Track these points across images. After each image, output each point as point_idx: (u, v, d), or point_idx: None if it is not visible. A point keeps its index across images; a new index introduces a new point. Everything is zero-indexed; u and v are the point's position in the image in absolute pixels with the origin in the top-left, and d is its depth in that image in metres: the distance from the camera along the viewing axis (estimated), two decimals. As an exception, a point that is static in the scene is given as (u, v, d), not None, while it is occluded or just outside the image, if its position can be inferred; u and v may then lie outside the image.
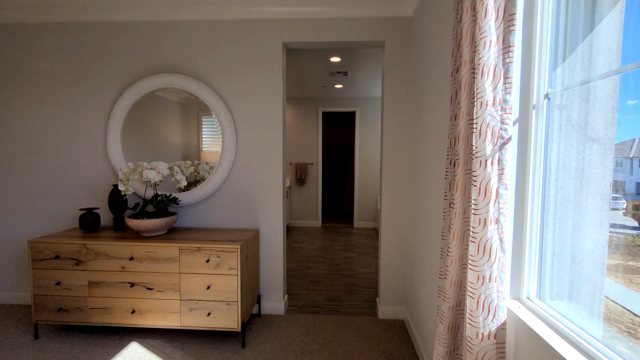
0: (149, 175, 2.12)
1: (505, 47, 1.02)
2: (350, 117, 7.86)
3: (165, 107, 2.56)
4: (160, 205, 2.26)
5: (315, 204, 6.02)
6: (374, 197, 5.93)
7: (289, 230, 5.70)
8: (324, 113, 7.70)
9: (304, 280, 3.35)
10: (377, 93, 5.57)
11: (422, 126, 2.18)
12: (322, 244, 4.78)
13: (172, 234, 2.32)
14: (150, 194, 2.47)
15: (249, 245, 2.29)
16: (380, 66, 3.99)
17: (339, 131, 7.89)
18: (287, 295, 2.79)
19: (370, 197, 5.94)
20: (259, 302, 2.58)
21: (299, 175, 5.90)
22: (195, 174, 2.56)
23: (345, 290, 3.11)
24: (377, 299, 2.74)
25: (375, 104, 5.83)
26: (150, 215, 2.23)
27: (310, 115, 5.94)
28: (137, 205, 2.27)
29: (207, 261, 2.07)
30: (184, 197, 2.49)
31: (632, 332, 0.81)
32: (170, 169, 2.30)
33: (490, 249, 1.03)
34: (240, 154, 2.54)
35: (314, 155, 5.97)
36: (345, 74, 4.28)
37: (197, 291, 2.09)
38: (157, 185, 2.26)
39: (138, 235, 2.24)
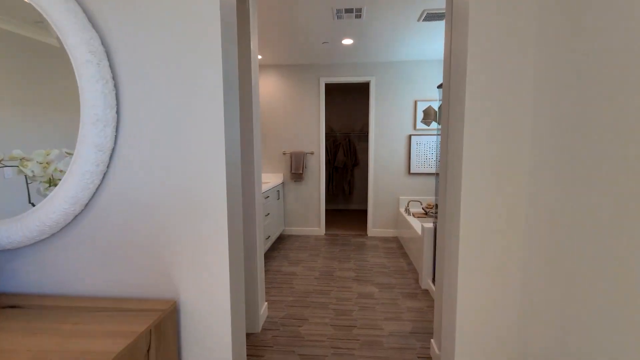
0: None
1: None
2: (362, 91, 6.35)
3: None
4: None
5: (317, 205, 4.61)
6: (394, 194, 4.48)
7: (282, 241, 4.31)
8: (327, 86, 6.18)
9: (293, 358, 1.95)
10: (405, 54, 4.06)
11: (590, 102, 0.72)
12: (326, 268, 3.37)
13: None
14: None
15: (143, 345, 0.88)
16: (415, -4, 2.49)
17: (346, 110, 6.39)
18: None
19: (390, 195, 4.49)
20: None
21: (295, 169, 4.47)
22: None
23: (366, 384, 1.71)
24: None
25: (403, 70, 4.32)
26: None
27: (308, 89, 4.46)
28: None
29: None
30: None
31: None
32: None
33: None
34: (130, 133, 1.11)
35: (314, 142, 4.53)
36: (359, 14, 2.79)
37: None
38: None
39: None
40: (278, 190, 4.26)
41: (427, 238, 2.84)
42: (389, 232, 4.54)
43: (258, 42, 2.76)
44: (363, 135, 6.36)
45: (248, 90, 2.07)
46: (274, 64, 4.44)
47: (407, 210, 4.19)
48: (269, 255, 3.76)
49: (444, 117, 1.74)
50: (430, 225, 2.87)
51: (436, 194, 2.51)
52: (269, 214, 3.72)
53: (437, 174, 3.02)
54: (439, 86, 2.96)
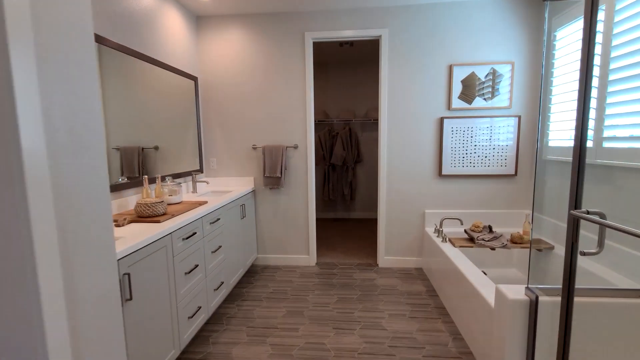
0: None
1: None
2: (367, 60, 4.85)
3: None
4: None
5: (303, 223, 3.16)
6: (417, 206, 3.04)
7: (252, 277, 2.89)
8: (317, 47, 4.71)
9: None
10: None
11: None
12: (312, 345, 1.94)
13: None
14: None
15: None
16: None
17: (346, 89, 4.91)
18: None
19: (411, 207, 3.05)
20: None
21: (270, 171, 3.02)
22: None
23: None
24: None
25: (431, 18, 2.84)
26: None
27: (288, 50, 2.99)
28: None
29: None
30: None
31: None
32: None
33: None
34: None
35: (299, 132, 3.07)
36: None
37: None
38: None
39: None
40: (243, 205, 2.81)
41: (512, 315, 1.40)
42: (410, 262, 3.11)
43: None
44: (368, 122, 4.89)
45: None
46: (233, 14, 2.96)
47: (438, 232, 2.74)
48: (218, 315, 2.34)
49: None
50: (521, 296, 1.42)
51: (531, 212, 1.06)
52: (219, 247, 2.28)
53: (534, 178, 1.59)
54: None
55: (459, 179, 2.96)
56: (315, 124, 4.97)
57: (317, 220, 4.99)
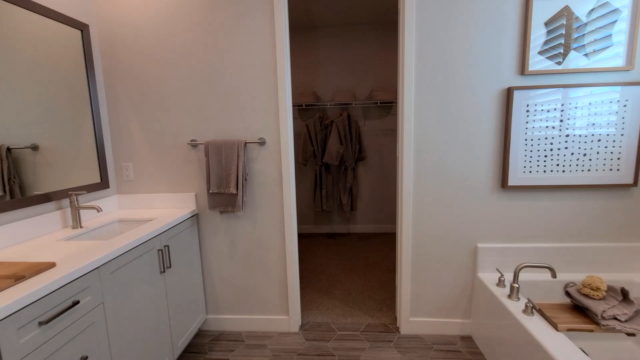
0: None
1: None
2: (375, 6, 3.62)
3: None
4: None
5: (279, 263, 1.96)
6: (465, 236, 1.84)
7: (197, 351, 1.71)
8: (295, 7, 3.46)
9: None
10: None
11: None
12: None
13: None
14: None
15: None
16: None
17: (342, 63, 3.66)
18: None
19: (453, 237, 1.85)
20: None
21: (219, 185, 1.79)
22: None
23: None
24: None
25: None
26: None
27: (246, 0, 1.75)
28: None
29: None
30: None
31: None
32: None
33: None
34: None
35: (267, 120, 1.83)
36: None
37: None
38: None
39: None
40: (166, 246, 1.59)
41: None
42: (451, 326, 1.92)
43: None
44: (374, 106, 3.66)
45: None
46: None
47: (511, 291, 1.56)
48: None
49: None
50: None
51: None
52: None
53: None
54: None
55: (537, 193, 1.76)
56: (302, 110, 3.74)
57: (307, 236, 3.79)
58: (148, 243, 1.46)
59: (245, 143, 1.80)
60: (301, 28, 3.58)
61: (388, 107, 3.65)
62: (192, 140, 1.86)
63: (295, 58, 3.64)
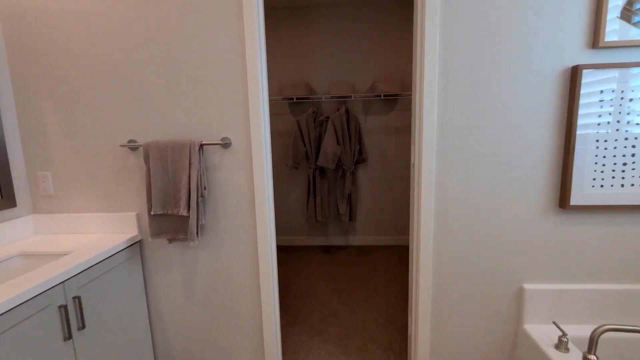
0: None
1: None
2: (372, 3, 3.10)
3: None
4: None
5: (251, 305, 1.45)
6: (509, 264, 1.33)
7: None
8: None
9: None
10: None
11: None
12: None
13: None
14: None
15: None
16: None
17: (338, 43, 3.14)
18: None
19: (492, 267, 1.34)
20: None
21: (163, 203, 1.28)
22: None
23: None
24: None
25: None
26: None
27: None
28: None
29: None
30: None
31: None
32: None
33: None
34: None
35: (233, 114, 1.32)
36: None
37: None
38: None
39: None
40: (63, 307, 1.08)
41: None
42: (483, 390, 1.42)
43: None
44: (376, 99, 3.15)
45: None
46: None
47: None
48: None
49: None
50: None
51: None
52: None
53: None
54: None
55: (613, 215, 1.25)
56: (294, 104, 3.23)
57: (298, 250, 3.29)
58: (41, 297, 0.95)
59: (201, 144, 1.29)
60: (291, 9, 3.06)
61: (393, 100, 3.14)
62: (129, 142, 1.35)
63: (284, 44, 3.12)
